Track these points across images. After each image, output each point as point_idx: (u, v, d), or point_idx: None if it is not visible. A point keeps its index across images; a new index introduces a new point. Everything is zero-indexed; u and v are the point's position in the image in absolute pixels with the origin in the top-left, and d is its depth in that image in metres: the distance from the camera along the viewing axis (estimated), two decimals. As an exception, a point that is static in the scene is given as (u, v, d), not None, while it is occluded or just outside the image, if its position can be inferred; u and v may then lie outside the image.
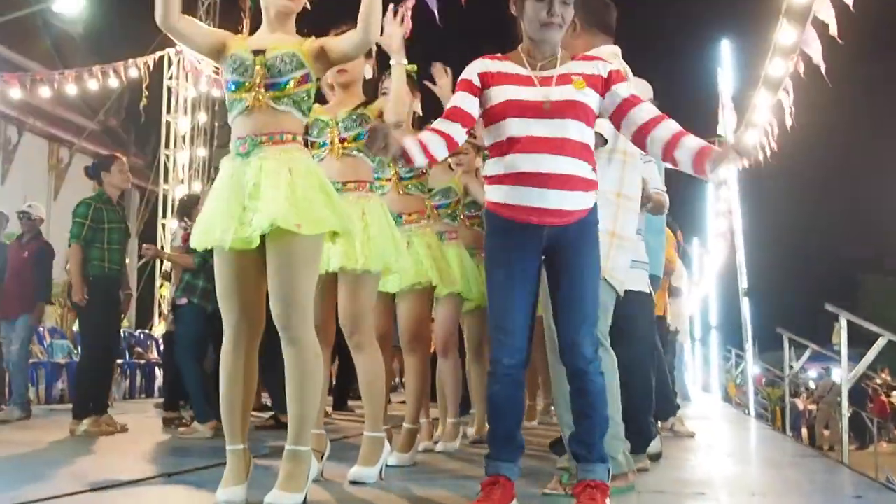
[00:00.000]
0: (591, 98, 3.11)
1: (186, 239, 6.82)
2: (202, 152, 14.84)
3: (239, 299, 3.20)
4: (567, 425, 3.37)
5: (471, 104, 3.15)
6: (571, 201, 3.05)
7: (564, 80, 3.10)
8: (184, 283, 6.33)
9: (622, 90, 3.15)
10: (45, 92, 12.28)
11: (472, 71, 3.18)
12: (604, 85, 3.14)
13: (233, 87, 3.25)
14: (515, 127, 3.07)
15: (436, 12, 8.23)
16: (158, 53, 13.72)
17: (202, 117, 15.04)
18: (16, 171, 19.22)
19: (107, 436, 5.96)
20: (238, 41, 3.35)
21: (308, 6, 3.44)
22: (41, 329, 10.24)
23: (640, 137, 3.14)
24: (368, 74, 4.27)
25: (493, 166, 3.16)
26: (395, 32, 3.87)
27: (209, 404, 6.02)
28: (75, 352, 10.93)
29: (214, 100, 14.71)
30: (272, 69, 3.21)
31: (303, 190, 3.13)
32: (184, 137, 14.79)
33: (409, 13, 7.79)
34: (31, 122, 19.21)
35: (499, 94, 3.11)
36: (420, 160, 3.02)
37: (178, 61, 14.76)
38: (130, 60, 12.53)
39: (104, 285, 6.24)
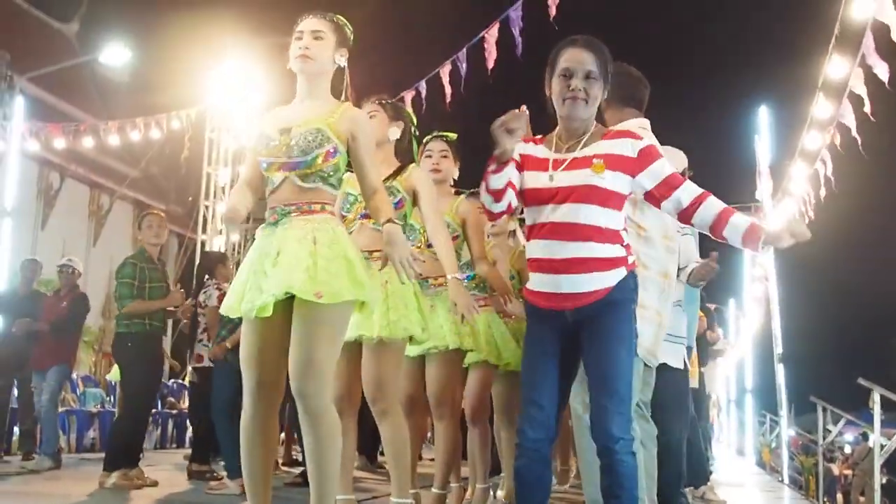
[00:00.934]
0: (611, 181, 3.07)
1: (221, 298, 6.87)
2: (241, 204, 15.02)
3: (259, 367, 3.21)
4: (593, 502, 3.33)
5: (512, 180, 3.15)
6: (588, 283, 3.05)
7: (581, 163, 3.08)
8: (220, 339, 6.36)
9: (661, 169, 3.13)
10: (88, 142, 12.51)
11: (516, 151, 3.17)
12: (634, 165, 3.11)
13: (264, 166, 3.29)
14: (533, 213, 3.12)
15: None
16: (200, 106, 13.98)
17: (242, 170, 15.23)
18: (56, 217, 19.58)
19: (136, 489, 5.96)
20: (269, 118, 3.39)
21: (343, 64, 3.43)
22: (74, 376, 10.32)
23: (685, 217, 3.14)
24: (395, 136, 4.27)
25: (529, 250, 3.20)
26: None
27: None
28: (108, 400, 11.02)
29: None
30: (296, 147, 3.23)
31: (325, 260, 3.14)
32: (223, 189, 14.98)
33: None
34: (74, 168, 19.63)
35: (525, 179, 3.15)
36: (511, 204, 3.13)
37: (220, 115, 15.01)
38: (173, 112, 12.77)
39: (147, 343, 6.27)
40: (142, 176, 19.91)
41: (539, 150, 3.18)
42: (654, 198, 3.16)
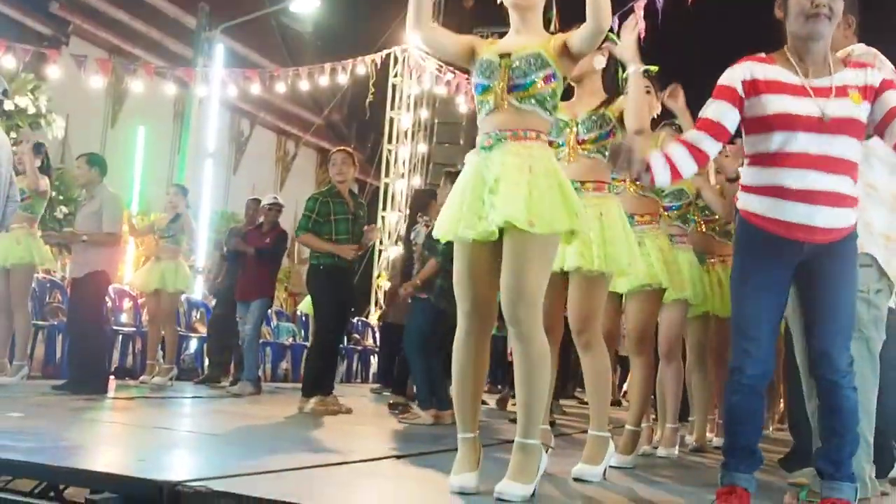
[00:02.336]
0: (865, 112, 2.99)
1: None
2: (422, 148, 15.27)
3: (473, 291, 3.25)
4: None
5: (729, 117, 3.07)
6: (838, 219, 2.97)
7: (842, 92, 2.97)
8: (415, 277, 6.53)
9: (891, 99, 3.00)
10: (280, 87, 13.02)
11: (734, 77, 3.07)
12: (874, 95, 3.01)
13: (480, 90, 3.32)
14: (785, 140, 2.98)
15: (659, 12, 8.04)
16: (385, 51, 14.23)
17: (424, 114, 15.47)
18: (247, 162, 20.62)
19: (331, 415, 6.25)
20: (487, 46, 3.41)
21: None
22: (269, 312, 10.89)
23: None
24: (600, 65, 4.21)
25: (753, 175, 3.09)
26: (628, 38, 3.84)
27: (433, 395, 6.22)
28: (299, 334, 11.57)
29: (436, 97, 15.11)
30: (517, 70, 3.24)
31: (540, 189, 3.15)
32: (405, 133, 15.26)
33: (641, 14, 7.68)
34: (262, 116, 20.54)
35: (769, 103, 3.00)
36: (664, 178, 3.01)
37: (404, 59, 15.25)
38: (359, 58, 13.07)
39: (335, 275, 6.52)
40: (324, 123, 20.58)
41: (781, 74, 3.03)
42: (879, 125, 3.03)
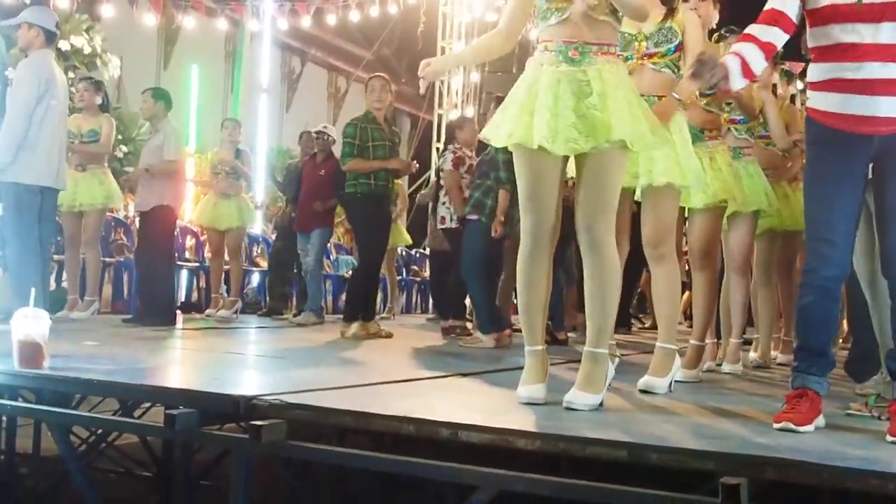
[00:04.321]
0: None
1: (457, 164, 7.00)
2: (475, 77, 15.09)
3: (543, 202, 3.24)
4: (885, 343, 3.19)
5: (792, 6, 3.03)
6: None
7: None
8: (473, 199, 6.50)
9: None
10: (330, 19, 12.91)
11: None
12: None
13: None
14: (840, 32, 2.93)
15: None
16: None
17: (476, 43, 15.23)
18: (299, 99, 20.63)
19: (373, 339, 6.28)
20: None
21: None
22: (328, 244, 10.97)
23: None
24: None
25: (816, 72, 3.04)
26: None
27: (492, 317, 6.24)
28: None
29: (488, 25, 14.86)
30: None
31: (633, 107, 3.16)
32: (458, 63, 15.03)
33: None
34: (313, 52, 20.47)
35: None
36: (739, 83, 3.01)
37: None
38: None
39: (373, 201, 6.50)
40: (375, 58, 20.44)
41: None
42: None
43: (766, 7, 3.07)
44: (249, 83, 14.23)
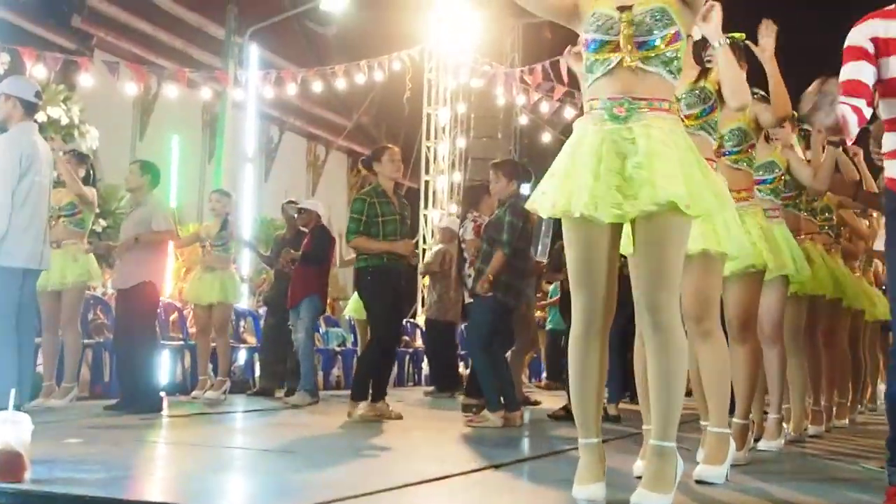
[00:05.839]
0: None
1: (478, 231, 6.70)
2: (461, 143, 14.95)
3: (594, 277, 2.93)
4: None
5: (869, 74, 2.89)
6: None
7: None
8: (477, 272, 6.17)
9: None
10: (316, 87, 12.73)
11: (861, 36, 2.91)
12: None
13: (594, 47, 2.95)
14: None
15: None
16: (419, 47, 13.87)
17: (461, 108, 15.14)
18: (277, 168, 20.38)
19: (382, 421, 5.91)
20: None
21: None
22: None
23: None
24: (696, 35, 3.85)
25: (890, 140, 2.90)
26: (712, 14, 3.54)
27: (502, 395, 5.92)
28: (348, 339, 11.23)
29: (472, 91, 14.80)
30: (640, 26, 2.89)
31: (689, 167, 2.86)
32: (444, 129, 14.93)
33: None
34: (291, 121, 20.30)
35: (890, 66, 2.85)
36: (853, 132, 2.86)
37: (436, 55, 14.95)
38: (394, 54, 12.72)
39: (385, 276, 6.20)
40: (354, 126, 20.31)
41: None
42: None
43: (844, 78, 2.90)
44: (231, 153, 13.91)
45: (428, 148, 14.75)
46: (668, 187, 2.77)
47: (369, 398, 6.07)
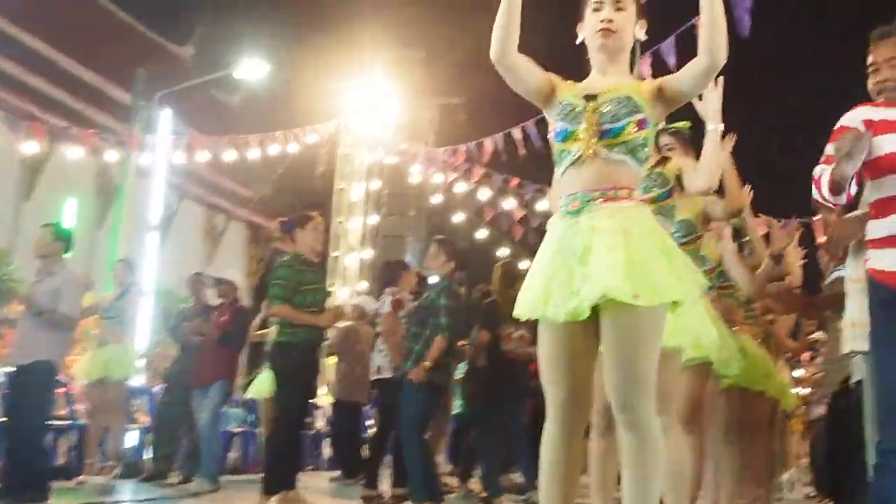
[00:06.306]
0: None
1: (397, 306, 6.44)
2: (373, 219, 14.76)
3: (569, 377, 2.76)
4: None
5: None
6: None
7: None
8: (415, 355, 5.88)
9: None
10: (230, 154, 12.39)
11: (855, 118, 2.95)
12: None
13: (561, 137, 2.84)
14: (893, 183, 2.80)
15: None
16: (335, 121, 13.73)
17: (375, 184, 14.99)
18: (174, 238, 19.71)
19: None
20: (569, 87, 2.93)
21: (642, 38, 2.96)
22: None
23: None
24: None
25: (879, 228, 2.85)
26: (712, 96, 3.64)
27: (428, 485, 5.65)
28: (248, 419, 10.67)
29: (383, 168, 14.68)
30: (605, 115, 2.79)
31: (641, 254, 2.69)
32: (356, 204, 14.72)
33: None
34: (192, 189, 19.79)
35: (883, 144, 2.81)
36: (853, 191, 2.81)
37: (347, 130, 14.85)
38: (308, 127, 12.51)
39: (307, 353, 5.87)
40: (255, 197, 19.94)
41: (891, 113, 2.88)
42: None
43: (832, 152, 2.85)
44: (131, 219, 13.28)
45: (339, 223, 14.48)
46: (603, 279, 2.62)
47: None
